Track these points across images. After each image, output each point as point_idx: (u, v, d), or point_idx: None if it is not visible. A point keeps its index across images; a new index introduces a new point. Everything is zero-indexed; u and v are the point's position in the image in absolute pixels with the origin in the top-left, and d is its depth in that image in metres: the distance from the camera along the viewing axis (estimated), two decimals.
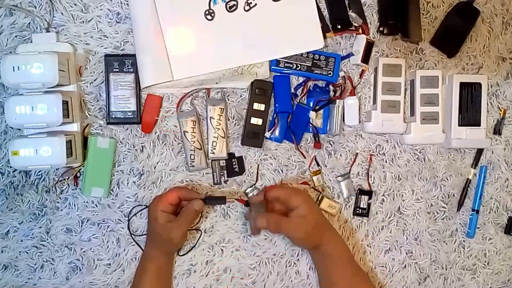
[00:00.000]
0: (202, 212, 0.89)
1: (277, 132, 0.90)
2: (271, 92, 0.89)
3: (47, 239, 0.88)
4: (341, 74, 0.90)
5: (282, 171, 0.91)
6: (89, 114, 0.87)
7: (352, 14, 0.89)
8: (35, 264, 0.89)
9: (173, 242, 0.84)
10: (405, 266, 0.95)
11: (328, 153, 0.92)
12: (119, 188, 0.89)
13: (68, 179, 0.87)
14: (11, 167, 0.86)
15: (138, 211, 0.89)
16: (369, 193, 0.93)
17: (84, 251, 0.89)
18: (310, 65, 0.89)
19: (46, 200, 0.88)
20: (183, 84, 0.86)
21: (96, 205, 0.89)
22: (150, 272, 0.85)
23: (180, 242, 0.86)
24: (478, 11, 0.92)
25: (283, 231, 0.84)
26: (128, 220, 0.89)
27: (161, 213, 0.82)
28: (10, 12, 0.85)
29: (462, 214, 0.96)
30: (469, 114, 0.92)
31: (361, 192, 0.92)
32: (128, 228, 0.89)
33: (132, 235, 0.89)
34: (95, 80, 0.87)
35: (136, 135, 0.88)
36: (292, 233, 0.83)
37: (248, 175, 0.91)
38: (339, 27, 0.89)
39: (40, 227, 0.88)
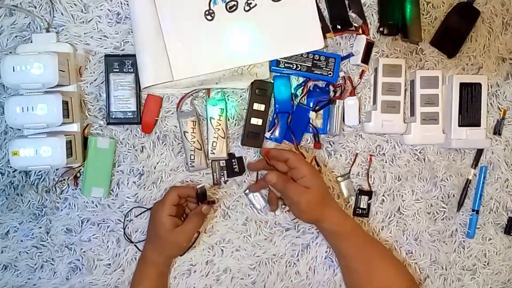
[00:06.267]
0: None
1: (277, 133, 0.90)
2: (271, 92, 0.89)
3: (47, 239, 0.88)
4: (341, 74, 0.90)
5: None
6: (89, 114, 0.87)
7: (352, 14, 0.89)
8: (35, 264, 0.89)
9: (181, 247, 0.85)
10: (405, 266, 0.95)
11: (328, 153, 0.92)
12: (119, 188, 0.89)
13: (68, 179, 0.87)
14: (11, 167, 0.86)
15: (138, 214, 0.89)
16: (369, 193, 0.93)
17: (84, 251, 0.89)
18: (310, 65, 0.89)
19: (46, 200, 0.88)
20: (183, 85, 0.86)
21: (96, 205, 0.89)
22: (151, 277, 0.85)
23: (187, 246, 0.86)
24: (478, 11, 0.92)
25: (288, 193, 0.82)
26: (123, 225, 0.89)
27: (168, 218, 0.81)
28: (10, 12, 0.85)
29: (462, 215, 0.96)
30: (469, 114, 0.92)
31: (361, 192, 0.92)
32: (124, 233, 0.89)
33: (129, 239, 0.89)
34: (95, 80, 0.87)
35: (136, 135, 0.88)
36: (296, 198, 0.82)
37: (248, 175, 0.91)
38: (339, 27, 0.89)
39: (40, 227, 0.88)
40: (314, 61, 0.89)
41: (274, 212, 0.90)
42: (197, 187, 0.84)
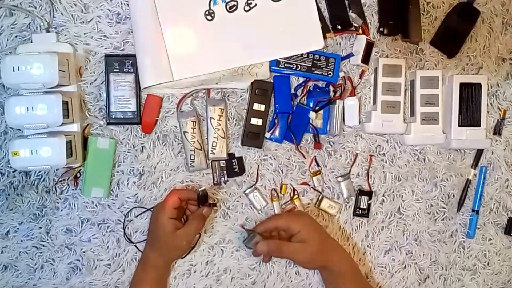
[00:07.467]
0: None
1: (277, 133, 0.89)
2: (271, 92, 0.89)
3: (47, 240, 0.88)
4: (341, 74, 0.90)
5: (282, 171, 0.91)
6: (89, 115, 0.87)
7: (352, 14, 0.89)
8: (35, 265, 0.89)
9: (181, 249, 0.85)
10: (405, 266, 0.95)
11: (328, 153, 0.92)
12: (119, 189, 0.89)
13: (68, 179, 0.87)
14: (11, 167, 0.86)
15: (138, 215, 0.89)
16: (369, 194, 0.93)
17: (84, 252, 0.89)
18: (310, 65, 0.89)
19: (46, 200, 0.88)
20: (183, 85, 0.86)
21: (96, 205, 0.89)
22: (151, 280, 0.85)
23: (188, 248, 0.86)
24: (478, 11, 0.92)
25: (285, 255, 0.84)
26: (123, 226, 0.89)
27: (169, 221, 0.81)
28: (10, 12, 0.85)
29: (462, 215, 0.96)
30: (469, 114, 0.92)
31: (361, 192, 0.92)
32: (124, 233, 0.89)
33: (129, 240, 0.89)
34: (95, 81, 0.87)
35: (136, 135, 0.88)
36: (295, 257, 0.84)
37: (248, 176, 0.91)
38: (339, 27, 0.89)
39: (40, 228, 0.88)
40: (314, 61, 0.89)
41: (268, 262, 0.91)
42: (199, 189, 0.84)
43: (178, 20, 0.84)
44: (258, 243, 0.84)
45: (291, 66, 0.88)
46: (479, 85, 0.92)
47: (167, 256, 0.86)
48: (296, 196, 0.91)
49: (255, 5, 0.86)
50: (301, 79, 0.91)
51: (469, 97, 0.92)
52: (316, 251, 0.83)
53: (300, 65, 0.89)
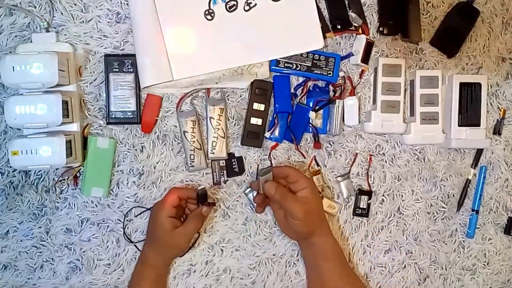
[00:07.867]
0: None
1: (276, 132, 0.89)
2: (271, 92, 0.89)
3: (47, 239, 0.88)
4: (341, 74, 0.90)
5: None
6: (89, 114, 0.87)
7: (352, 14, 0.89)
8: (35, 264, 0.89)
9: (180, 248, 0.85)
10: (404, 266, 0.95)
11: (328, 153, 0.92)
12: (118, 188, 0.89)
13: (68, 179, 0.87)
14: (11, 167, 0.86)
15: (138, 214, 0.89)
16: (369, 193, 0.93)
17: (83, 251, 0.89)
18: (310, 65, 0.89)
19: (46, 200, 0.88)
20: (183, 84, 0.86)
21: (96, 205, 0.89)
22: (150, 279, 0.85)
23: (187, 247, 0.86)
24: (478, 11, 0.92)
25: (286, 204, 0.82)
26: (123, 225, 0.89)
27: (168, 219, 0.82)
28: (10, 12, 0.85)
29: (462, 214, 0.96)
30: (469, 114, 0.92)
31: (361, 192, 0.92)
32: (124, 233, 0.89)
33: (128, 239, 0.89)
34: (95, 80, 0.87)
35: (136, 135, 0.88)
36: (294, 210, 0.81)
37: (247, 175, 0.91)
38: (339, 27, 0.89)
39: (40, 227, 0.88)
40: (314, 61, 0.89)
41: (259, 213, 0.90)
42: (198, 188, 0.84)
43: (178, 20, 0.84)
44: (268, 182, 0.83)
45: (291, 65, 0.88)
46: (479, 84, 0.92)
47: (166, 255, 0.86)
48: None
49: (255, 4, 0.86)
50: (301, 79, 0.91)
51: (469, 96, 0.92)
52: (313, 213, 0.83)
53: (300, 64, 0.89)
